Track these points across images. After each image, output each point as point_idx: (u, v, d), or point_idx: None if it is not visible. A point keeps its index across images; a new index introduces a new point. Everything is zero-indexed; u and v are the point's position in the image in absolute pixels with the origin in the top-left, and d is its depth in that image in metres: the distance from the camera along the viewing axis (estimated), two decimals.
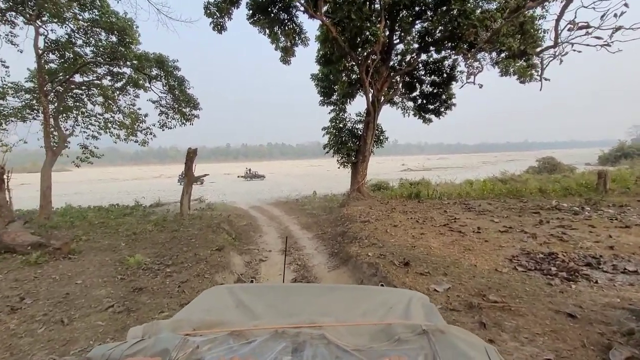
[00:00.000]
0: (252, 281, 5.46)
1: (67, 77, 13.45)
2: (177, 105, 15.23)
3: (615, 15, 7.06)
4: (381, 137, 14.72)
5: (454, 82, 15.24)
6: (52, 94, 14.41)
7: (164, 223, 9.86)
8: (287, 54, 12.04)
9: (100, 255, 6.41)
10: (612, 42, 7.14)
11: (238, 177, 45.79)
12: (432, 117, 16.41)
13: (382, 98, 13.84)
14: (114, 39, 14.57)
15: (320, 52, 12.91)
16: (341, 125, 14.31)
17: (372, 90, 13.31)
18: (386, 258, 5.29)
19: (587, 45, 7.54)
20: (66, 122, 15.99)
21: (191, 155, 12.10)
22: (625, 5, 7.17)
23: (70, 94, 15.79)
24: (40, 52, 12.92)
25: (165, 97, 15.51)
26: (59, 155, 14.08)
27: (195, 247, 6.73)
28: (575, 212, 7.86)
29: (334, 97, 16.10)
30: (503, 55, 12.48)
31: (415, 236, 6.59)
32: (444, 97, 15.83)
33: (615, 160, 39.85)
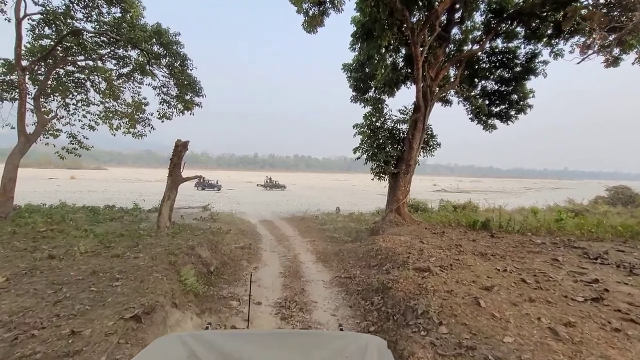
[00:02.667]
0: (206, 328, 2.88)
1: (49, 49, 11.16)
2: (179, 92, 12.59)
3: None
4: (431, 143, 11.11)
5: (532, 76, 11.47)
6: (36, 71, 12.34)
7: (118, 239, 6.82)
8: (312, 22, 8.97)
9: None
10: None
11: (257, 185, 43.23)
12: (497, 122, 12.63)
13: (436, 91, 10.36)
14: (117, 12, 12.43)
15: (360, 21, 9.71)
16: (378, 124, 10.88)
17: (423, 81, 9.88)
18: None
19: None
20: (63, 110, 13.89)
21: (179, 149, 9.19)
22: None
23: (71, 77, 13.68)
24: (20, 17, 10.82)
25: (168, 82, 12.96)
26: (34, 142, 11.77)
27: (101, 303, 3.51)
28: None
29: (370, 92, 12.84)
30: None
31: (555, 331, 2.96)
32: (516, 96, 12.06)
33: None
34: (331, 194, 38.25)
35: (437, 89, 10.38)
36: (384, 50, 10.41)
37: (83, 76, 13.84)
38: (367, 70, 12.31)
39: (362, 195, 37.39)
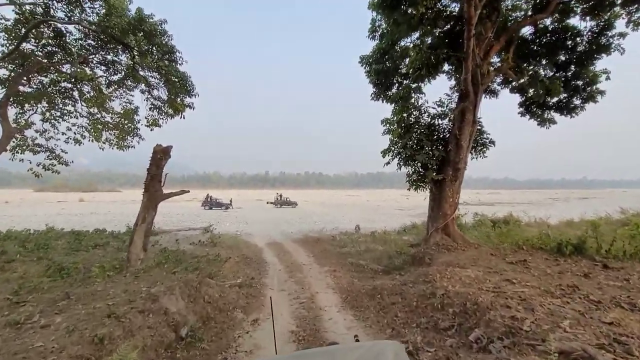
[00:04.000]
0: None
1: (14, 48, 9.46)
2: (169, 94, 10.68)
3: None
4: (481, 140, 8.69)
5: (603, 55, 9.08)
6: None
7: (48, 285, 4.59)
8: None
9: None
10: None
11: (267, 203, 41.08)
12: (556, 115, 10.18)
13: (487, 73, 8.07)
14: (101, 9, 10.81)
15: None
16: (412, 119, 8.60)
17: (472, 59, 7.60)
18: None
19: None
20: (43, 123, 12.16)
21: (158, 157, 7.07)
22: None
23: (57, 87, 12.03)
24: None
25: (158, 84, 11.12)
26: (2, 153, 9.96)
27: None
28: None
29: (394, 89, 10.68)
30: None
31: None
32: (580, 82, 9.66)
33: None
34: (345, 210, 35.67)
35: (489, 71, 8.08)
36: (417, 22, 8.22)
37: (70, 85, 12.15)
38: (388, 64, 10.25)
39: (378, 210, 34.73)
